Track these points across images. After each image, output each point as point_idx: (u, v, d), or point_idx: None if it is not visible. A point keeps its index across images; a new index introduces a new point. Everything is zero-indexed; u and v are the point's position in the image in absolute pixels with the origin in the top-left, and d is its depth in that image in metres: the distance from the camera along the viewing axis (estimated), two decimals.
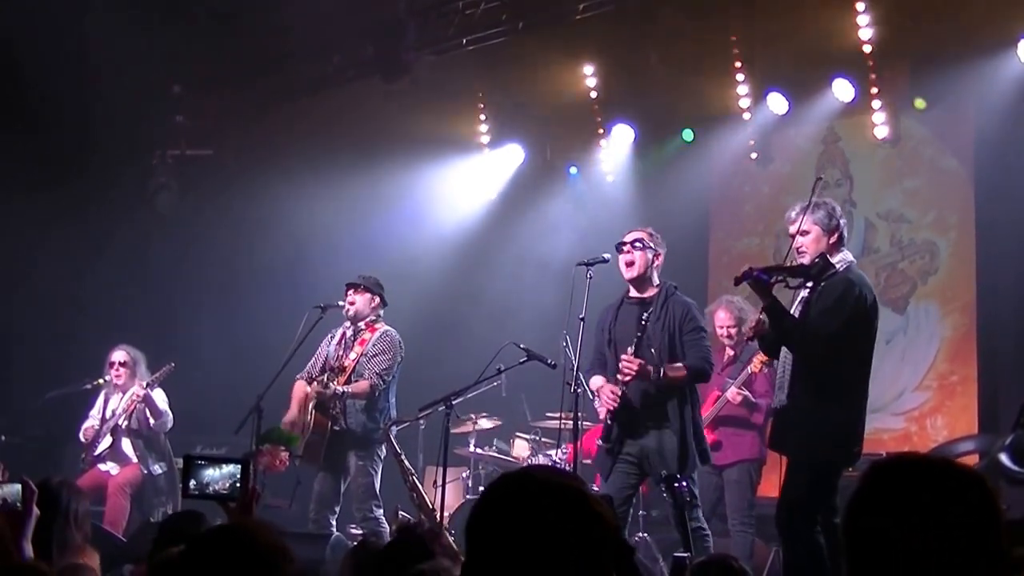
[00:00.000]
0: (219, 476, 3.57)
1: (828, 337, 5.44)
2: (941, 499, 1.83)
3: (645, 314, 6.15)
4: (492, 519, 1.91)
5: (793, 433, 5.57)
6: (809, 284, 5.59)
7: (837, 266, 5.57)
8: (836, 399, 5.53)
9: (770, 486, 7.70)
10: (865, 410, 5.69)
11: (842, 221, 5.73)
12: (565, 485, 1.94)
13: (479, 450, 9.03)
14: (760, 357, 7.40)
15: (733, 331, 7.73)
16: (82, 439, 8.42)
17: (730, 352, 7.84)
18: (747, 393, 7.69)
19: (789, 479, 5.63)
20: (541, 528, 1.86)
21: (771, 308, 5.52)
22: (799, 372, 5.57)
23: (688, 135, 10.40)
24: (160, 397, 8.35)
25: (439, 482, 7.02)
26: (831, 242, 5.63)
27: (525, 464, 8.78)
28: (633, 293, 6.33)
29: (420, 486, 7.42)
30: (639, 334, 6.10)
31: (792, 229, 5.69)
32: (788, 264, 5.62)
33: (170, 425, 8.36)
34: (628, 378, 6.05)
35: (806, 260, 5.60)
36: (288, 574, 2.47)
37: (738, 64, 9.61)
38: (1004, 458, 7.41)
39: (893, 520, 1.82)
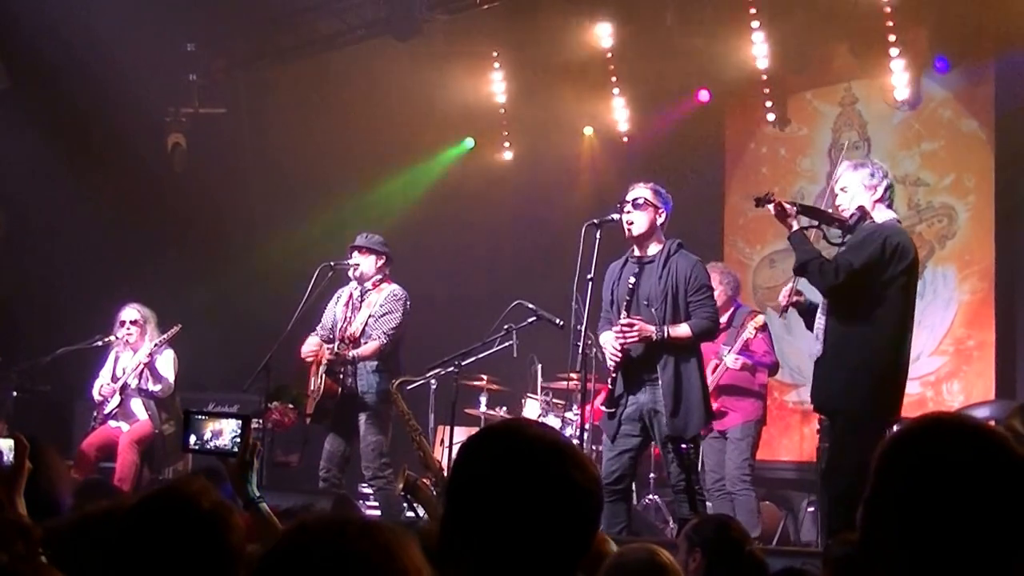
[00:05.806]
0: (219, 431, 3.56)
1: (845, 270, 5.51)
2: (973, 461, 1.74)
3: (632, 276, 6.07)
4: (473, 472, 1.88)
5: (831, 387, 5.67)
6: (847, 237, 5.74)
7: (876, 219, 5.69)
8: (867, 348, 5.59)
9: (773, 450, 7.68)
10: (905, 360, 5.81)
11: (884, 182, 5.76)
12: (550, 440, 1.91)
13: (490, 411, 9.03)
14: (755, 324, 7.32)
15: (723, 298, 7.54)
16: (96, 397, 8.41)
17: (722, 320, 7.67)
18: (745, 359, 7.66)
19: (834, 437, 5.79)
20: (523, 483, 1.83)
21: (793, 235, 5.71)
22: (830, 321, 5.65)
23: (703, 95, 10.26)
24: (167, 360, 8.34)
25: (447, 442, 7.02)
26: (873, 199, 5.69)
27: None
28: (636, 252, 6.21)
29: (426, 444, 7.43)
30: (628, 298, 6.02)
31: (834, 185, 5.89)
32: (827, 210, 5.83)
33: (169, 391, 8.34)
34: (625, 341, 5.96)
35: (845, 215, 5.72)
36: (233, 540, 2.37)
37: (755, 24, 9.47)
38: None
39: (921, 480, 1.74)
